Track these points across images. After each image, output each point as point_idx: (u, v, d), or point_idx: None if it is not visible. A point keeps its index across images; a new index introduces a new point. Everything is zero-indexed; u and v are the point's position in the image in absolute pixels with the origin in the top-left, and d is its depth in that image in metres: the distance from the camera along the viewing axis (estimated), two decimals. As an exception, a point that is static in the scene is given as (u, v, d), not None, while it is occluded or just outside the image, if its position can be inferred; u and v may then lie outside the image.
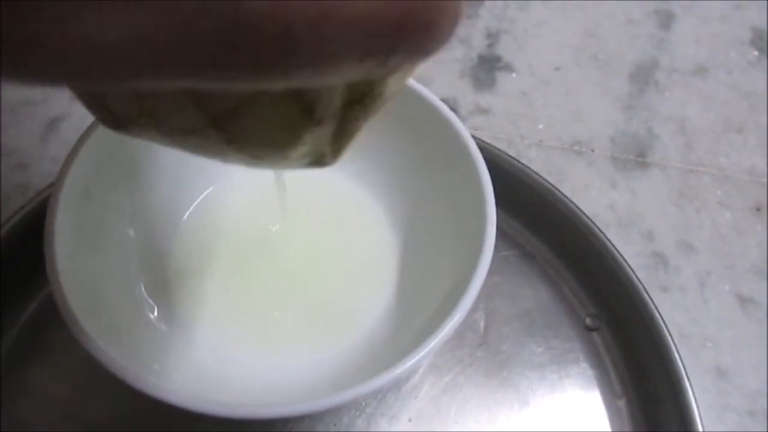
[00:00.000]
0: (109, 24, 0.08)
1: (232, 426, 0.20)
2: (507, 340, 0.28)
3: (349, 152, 0.30)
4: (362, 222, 0.28)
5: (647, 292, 0.27)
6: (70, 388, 0.26)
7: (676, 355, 0.26)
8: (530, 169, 0.30)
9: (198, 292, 0.26)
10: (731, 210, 0.33)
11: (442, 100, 0.25)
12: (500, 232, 0.24)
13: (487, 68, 0.38)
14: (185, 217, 0.28)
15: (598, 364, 0.28)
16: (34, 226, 0.22)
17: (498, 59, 0.38)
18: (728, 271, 0.31)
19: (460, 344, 0.28)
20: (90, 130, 0.23)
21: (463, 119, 0.35)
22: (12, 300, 0.28)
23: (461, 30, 0.39)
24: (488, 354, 0.28)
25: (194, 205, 0.28)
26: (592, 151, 0.35)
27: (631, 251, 0.31)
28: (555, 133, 0.36)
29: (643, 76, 0.38)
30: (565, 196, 0.30)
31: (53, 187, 0.22)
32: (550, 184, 0.30)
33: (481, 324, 0.29)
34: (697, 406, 0.25)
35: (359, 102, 0.14)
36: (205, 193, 0.29)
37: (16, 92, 0.35)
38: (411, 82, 0.25)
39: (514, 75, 0.38)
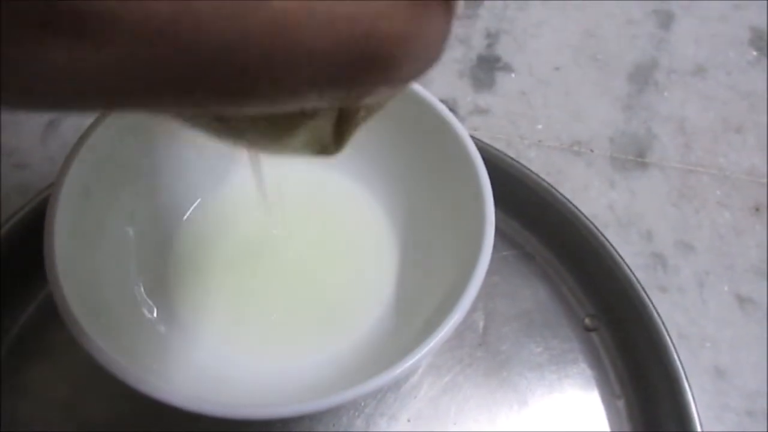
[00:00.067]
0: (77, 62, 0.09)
1: (232, 426, 0.20)
2: (506, 340, 0.28)
3: (348, 152, 0.30)
4: (361, 222, 0.29)
5: (646, 293, 0.27)
6: (70, 388, 0.26)
7: (675, 355, 0.26)
8: (529, 170, 0.30)
9: (197, 292, 0.26)
10: (730, 210, 0.33)
11: (442, 100, 0.25)
12: (499, 233, 0.24)
13: (487, 68, 0.38)
14: (185, 217, 0.28)
15: (597, 365, 0.28)
16: (33, 226, 0.22)
17: (497, 59, 0.38)
18: (727, 271, 0.32)
19: (460, 344, 0.28)
20: (89, 130, 0.23)
21: (462, 119, 0.35)
22: (12, 300, 0.28)
23: (461, 30, 0.39)
24: (487, 354, 0.28)
25: (194, 205, 0.28)
26: (592, 151, 0.35)
27: (630, 251, 0.31)
28: (554, 133, 0.36)
29: (643, 76, 0.38)
30: (564, 196, 0.30)
31: (53, 187, 0.22)
32: (549, 184, 0.30)
33: (481, 324, 0.29)
34: (696, 406, 0.25)
35: None
36: (205, 194, 0.29)
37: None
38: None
39: (513, 75, 0.38)
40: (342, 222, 0.29)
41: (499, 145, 0.33)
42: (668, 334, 0.27)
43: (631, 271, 0.28)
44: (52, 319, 0.20)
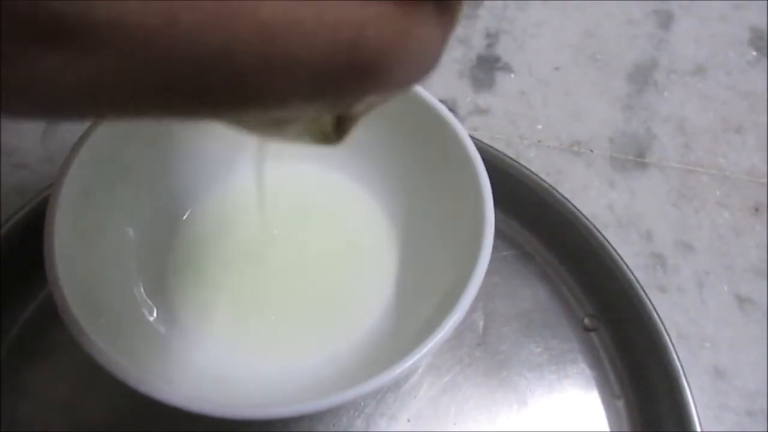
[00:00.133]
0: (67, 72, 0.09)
1: (232, 426, 0.20)
2: (506, 340, 0.28)
3: (348, 153, 0.30)
4: (361, 222, 0.29)
5: (645, 293, 0.27)
6: (70, 388, 0.26)
7: (674, 355, 0.26)
8: (529, 170, 0.30)
9: (197, 292, 0.26)
10: (730, 210, 0.33)
11: (441, 100, 0.25)
12: (499, 233, 0.24)
13: (486, 68, 0.38)
14: (185, 217, 0.28)
15: (596, 365, 0.28)
16: (33, 226, 0.22)
17: (497, 59, 0.38)
18: (727, 271, 0.32)
19: (459, 344, 0.28)
20: (89, 130, 0.23)
21: (461, 119, 0.35)
22: (12, 300, 0.28)
23: (460, 30, 0.39)
24: (487, 354, 0.28)
25: (194, 205, 0.28)
26: (591, 151, 0.35)
27: (629, 251, 0.31)
28: (554, 133, 0.36)
29: (642, 76, 0.38)
30: (564, 196, 0.30)
31: (53, 187, 0.22)
32: (549, 184, 0.30)
33: (480, 324, 0.29)
34: (695, 406, 0.25)
35: None
36: (204, 194, 0.29)
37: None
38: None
39: (513, 75, 0.38)
40: (342, 222, 0.29)
41: (499, 146, 0.33)
42: (668, 334, 0.27)
43: (630, 271, 0.28)
44: (52, 319, 0.20)
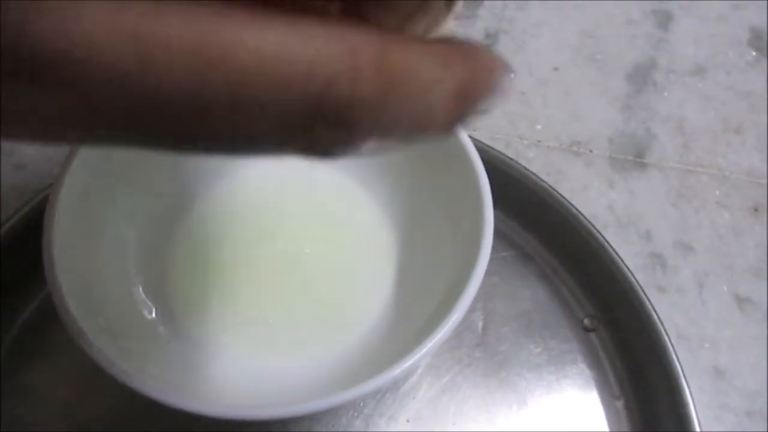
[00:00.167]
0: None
1: (231, 426, 0.20)
2: (505, 340, 0.28)
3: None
4: (361, 223, 0.29)
5: (645, 293, 0.27)
6: (70, 388, 0.26)
7: (674, 355, 0.26)
8: (528, 170, 0.30)
9: (196, 292, 0.26)
10: (729, 210, 0.33)
11: (441, 101, 0.25)
12: (498, 233, 0.24)
13: (486, 68, 0.38)
14: (183, 217, 0.28)
15: (595, 365, 0.28)
16: (33, 226, 0.22)
17: (497, 59, 0.38)
18: (726, 271, 0.32)
19: (459, 345, 0.28)
20: (89, 131, 0.23)
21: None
22: (12, 300, 0.28)
23: (460, 30, 0.39)
24: (486, 354, 0.28)
25: (192, 205, 0.28)
26: (591, 151, 0.35)
27: (629, 252, 0.31)
28: (553, 133, 0.36)
29: (642, 76, 0.38)
30: (564, 196, 0.30)
31: (52, 187, 0.22)
32: (548, 184, 0.30)
33: (480, 324, 0.29)
34: (695, 407, 0.25)
35: None
36: (203, 194, 0.29)
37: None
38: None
39: (512, 75, 0.38)
40: (342, 222, 0.29)
41: (498, 146, 0.33)
42: (667, 335, 0.27)
43: (630, 271, 0.28)
44: (52, 319, 0.20)
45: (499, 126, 0.36)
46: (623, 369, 0.28)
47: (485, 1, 0.41)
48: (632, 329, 0.28)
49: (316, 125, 0.09)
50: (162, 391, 0.19)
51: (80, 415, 0.26)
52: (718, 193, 0.34)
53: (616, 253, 0.28)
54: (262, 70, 0.09)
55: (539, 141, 0.35)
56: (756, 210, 0.34)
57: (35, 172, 0.33)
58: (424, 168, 0.27)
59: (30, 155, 0.33)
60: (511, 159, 0.31)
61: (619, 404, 0.27)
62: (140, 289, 0.26)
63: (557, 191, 0.30)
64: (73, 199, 0.23)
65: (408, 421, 0.26)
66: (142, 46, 0.08)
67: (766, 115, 0.37)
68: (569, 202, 0.30)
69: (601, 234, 0.29)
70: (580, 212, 0.29)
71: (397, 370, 0.20)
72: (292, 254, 0.28)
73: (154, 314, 0.25)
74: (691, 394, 0.25)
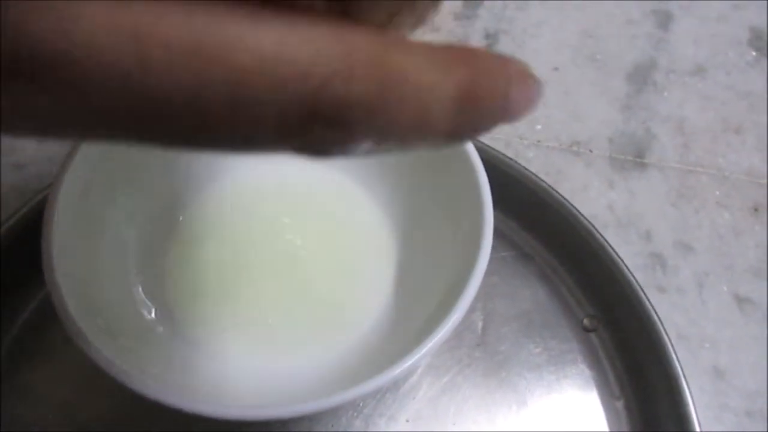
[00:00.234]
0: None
1: (231, 426, 0.20)
2: (505, 340, 0.28)
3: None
4: (361, 223, 0.29)
5: (645, 293, 0.27)
6: (70, 388, 0.26)
7: (674, 355, 0.26)
8: (528, 170, 0.30)
9: (196, 293, 0.26)
10: (729, 210, 0.33)
11: (441, 101, 0.25)
12: (498, 233, 0.24)
13: (486, 68, 0.38)
14: (183, 217, 0.28)
15: (595, 365, 0.28)
16: (33, 226, 0.22)
17: (497, 59, 0.38)
18: (726, 271, 0.32)
19: (459, 345, 0.28)
20: (88, 131, 0.23)
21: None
22: (12, 300, 0.28)
23: (460, 30, 0.39)
24: (486, 354, 0.28)
25: (192, 205, 0.28)
26: (591, 151, 0.35)
27: (629, 252, 0.31)
28: (553, 133, 0.36)
29: (642, 76, 0.38)
30: (563, 196, 0.30)
31: (51, 187, 0.22)
32: (548, 184, 0.30)
33: (480, 324, 0.29)
34: (695, 407, 0.25)
35: None
36: (202, 194, 0.29)
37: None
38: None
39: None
40: (341, 222, 0.29)
41: (498, 146, 0.33)
42: (667, 335, 0.27)
43: (630, 271, 0.28)
44: (52, 319, 0.20)
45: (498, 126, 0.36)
46: (623, 369, 0.28)
47: (485, 1, 0.41)
48: (632, 329, 0.28)
49: (313, 125, 0.09)
50: (162, 391, 0.19)
51: (80, 415, 0.26)
52: (718, 193, 0.34)
53: (616, 253, 0.28)
54: (262, 69, 0.09)
55: (539, 141, 0.35)
56: (756, 210, 0.33)
57: (35, 172, 0.33)
58: (424, 168, 0.27)
59: (30, 155, 0.33)
60: (511, 159, 0.31)
61: (619, 404, 0.27)
62: (140, 289, 0.26)
63: (557, 191, 0.30)
64: (73, 198, 0.23)
65: (408, 421, 0.26)
66: (141, 46, 0.08)
67: (766, 115, 0.37)
68: (569, 202, 0.30)
69: (600, 234, 0.29)
70: (579, 212, 0.29)
71: (397, 370, 0.20)
72: (292, 254, 0.28)
73: (153, 314, 0.25)
74: (691, 394, 0.25)
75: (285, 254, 0.28)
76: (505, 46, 0.39)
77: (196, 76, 0.09)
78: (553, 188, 0.30)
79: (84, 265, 0.23)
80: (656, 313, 0.27)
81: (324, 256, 0.28)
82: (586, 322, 0.29)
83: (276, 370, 0.25)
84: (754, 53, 0.39)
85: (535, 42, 0.39)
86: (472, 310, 0.25)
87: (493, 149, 0.31)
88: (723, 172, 0.35)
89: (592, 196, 0.33)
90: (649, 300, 0.27)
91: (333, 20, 0.10)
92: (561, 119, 0.36)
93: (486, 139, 0.33)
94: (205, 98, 0.09)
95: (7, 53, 0.08)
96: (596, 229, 0.29)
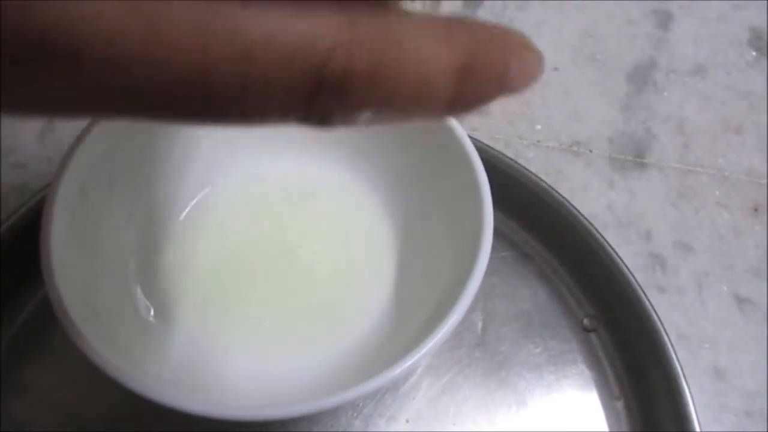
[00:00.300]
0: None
1: (230, 427, 0.20)
2: (505, 340, 0.28)
3: (348, 153, 0.30)
4: (361, 223, 0.29)
5: (645, 293, 0.27)
6: (70, 388, 0.26)
7: (674, 355, 0.26)
8: (528, 170, 0.30)
9: (195, 293, 0.26)
10: (729, 210, 0.33)
11: (440, 100, 0.25)
12: (498, 233, 0.24)
13: (486, 68, 0.38)
14: (182, 217, 0.28)
15: (595, 365, 0.28)
16: (32, 226, 0.22)
17: (497, 59, 0.38)
18: (726, 271, 0.32)
19: (458, 345, 0.28)
20: (87, 130, 0.23)
21: (461, 120, 0.35)
22: (11, 300, 0.28)
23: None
24: (486, 355, 0.28)
25: (191, 205, 0.28)
26: (591, 151, 0.35)
27: (629, 252, 0.31)
28: (553, 133, 0.36)
29: (642, 76, 0.38)
30: (563, 196, 0.30)
31: (50, 187, 0.22)
32: (548, 184, 0.30)
33: (479, 325, 0.29)
34: (695, 407, 0.25)
35: None
36: (202, 194, 0.29)
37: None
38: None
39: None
40: (341, 222, 0.29)
41: (498, 146, 0.33)
42: (667, 335, 0.27)
43: (630, 271, 0.28)
44: (52, 319, 0.20)
45: (498, 126, 0.36)
46: (623, 369, 0.28)
47: (485, 1, 0.41)
48: (632, 329, 0.28)
49: (318, 95, 0.10)
50: (161, 391, 0.19)
51: (80, 415, 0.26)
52: (718, 193, 0.34)
53: (616, 253, 0.28)
54: (269, 45, 0.09)
55: (539, 141, 0.35)
56: (756, 210, 0.33)
57: (35, 171, 0.33)
58: (424, 168, 0.27)
59: (30, 155, 0.33)
60: (511, 159, 0.31)
61: (619, 404, 0.27)
62: (139, 289, 0.26)
63: (557, 191, 0.30)
64: (71, 199, 0.23)
65: (408, 421, 0.26)
66: (151, 27, 0.09)
67: (766, 115, 0.37)
68: (569, 202, 0.30)
69: (600, 234, 0.29)
70: (579, 212, 0.29)
71: (397, 370, 0.20)
72: (291, 254, 0.28)
73: (152, 314, 0.25)
74: (691, 395, 0.25)
75: (285, 254, 0.28)
76: (505, 46, 0.39)
77: (206, 53, 0.09)
78: (553, 188, 0.30)
79: (83, 266, 0.23)
80: (656, 313, 0.27)
81: (324, 256, 0.28)
82: (586, 322, 0.29)
83: (275, 371, 0.25)
84: (754, 53, 0.39)
85: (535, 42, 0.39)
86: (472, 310, 0.25)
87: (493, 149, 0.30)
88: (723, 172, 0.35)
89: (592, 196, 0.33)
90: (649, 300, 0.27)
91: None
92: (561, 119, 0.36)
93: (486, 139, 0.33)
94: (216, 75, 0.09)
95: (17, 38, 0.08)
96: (596, 229, 0.29)
